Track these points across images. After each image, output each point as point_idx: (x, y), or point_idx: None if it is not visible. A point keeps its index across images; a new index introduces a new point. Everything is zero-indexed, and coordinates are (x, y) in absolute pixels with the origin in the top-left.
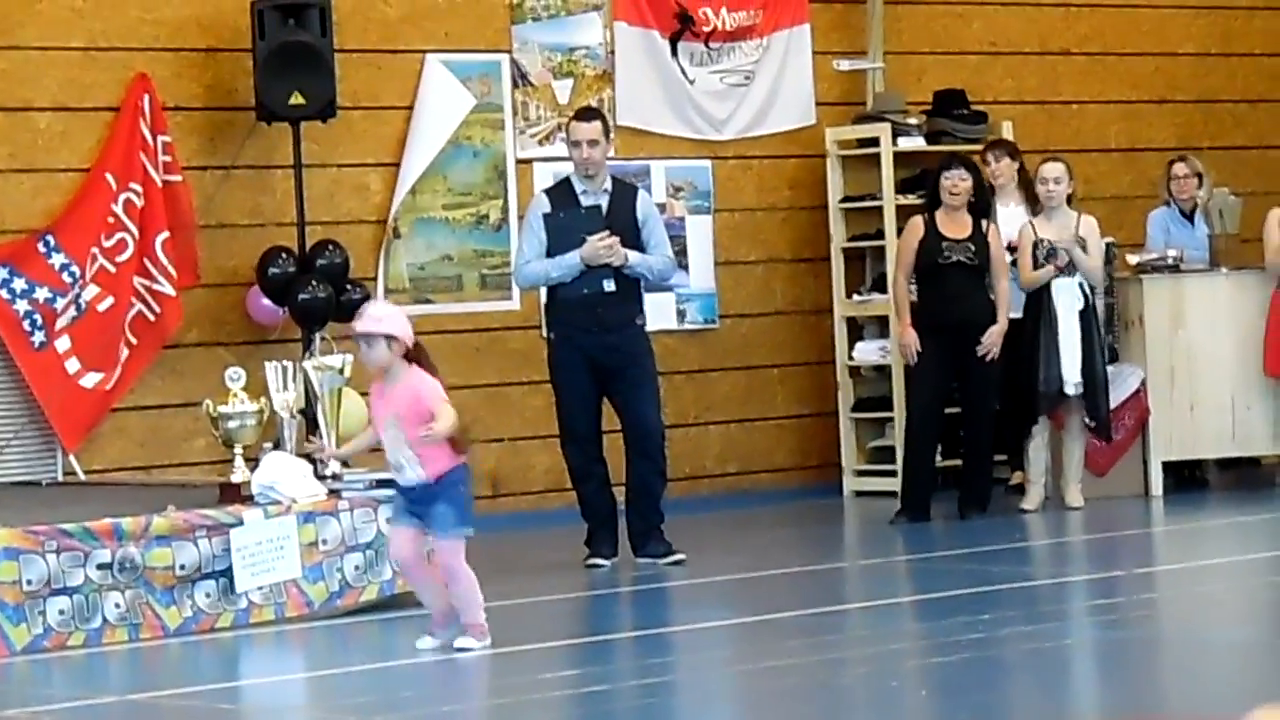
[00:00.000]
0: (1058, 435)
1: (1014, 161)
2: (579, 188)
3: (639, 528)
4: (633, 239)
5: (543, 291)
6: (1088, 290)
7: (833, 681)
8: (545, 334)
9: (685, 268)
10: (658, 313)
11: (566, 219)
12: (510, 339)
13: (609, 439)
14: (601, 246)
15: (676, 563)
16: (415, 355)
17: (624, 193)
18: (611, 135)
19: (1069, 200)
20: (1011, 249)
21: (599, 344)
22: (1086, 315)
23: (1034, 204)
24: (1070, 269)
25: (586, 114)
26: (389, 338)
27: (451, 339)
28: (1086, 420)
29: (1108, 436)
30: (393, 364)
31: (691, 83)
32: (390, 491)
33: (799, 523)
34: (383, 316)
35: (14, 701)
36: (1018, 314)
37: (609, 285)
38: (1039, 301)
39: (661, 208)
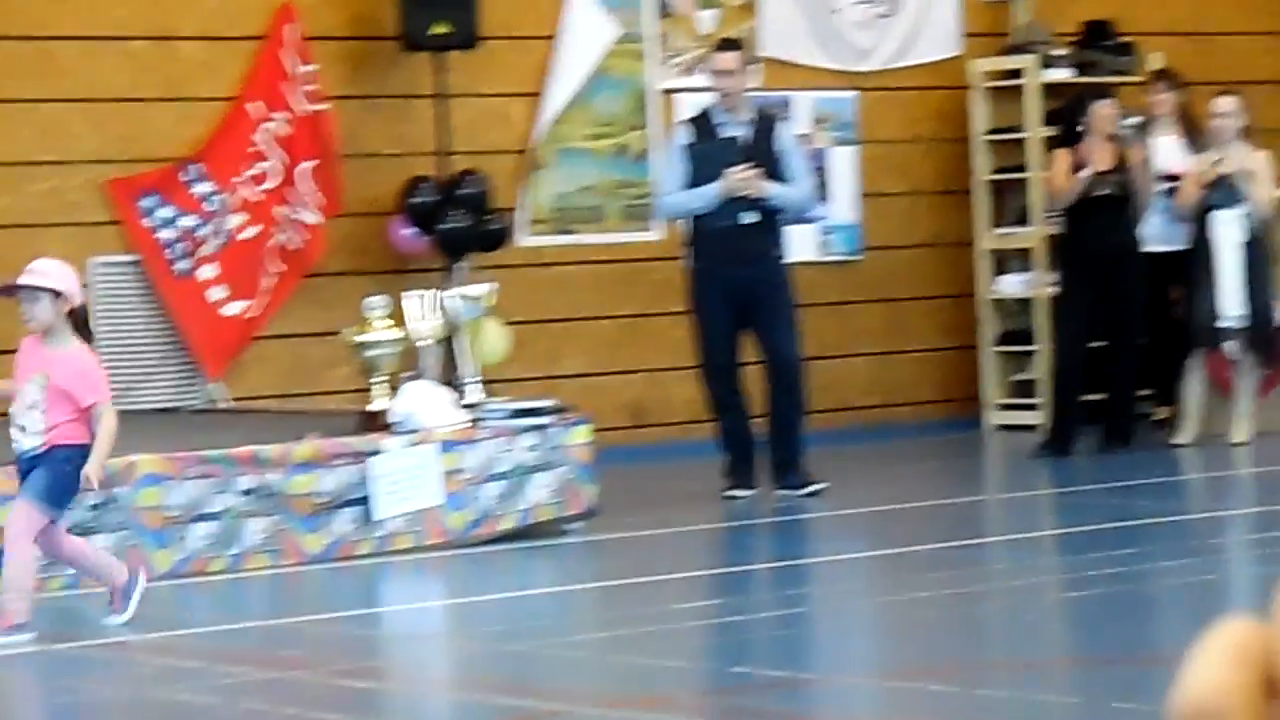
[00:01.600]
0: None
1: (1176, 93)
2: (719, 119)
3: (778, 460)
4: (773, 171)
5: (684, 222)
6: (1254, 223)
7: (971, 614)
8: (686, 265)
9: (827, 199)
10: (800, 244)
11: (706, 150)
12: (652, 270)
13: (749, 371)
14: (740, 179)
15: (815, 492)
16: (77, 320)
17: (765, 124)
18: (753, 66)
19: (1239, 136)
20: (1169, 178)
21: (738, 276)
22: (1252, 248)
23: (1192, 136)
24: (1235, 200)
25: (726, 44)
26: (54, 293)
27: (593, 269)
28: (1245, 352)
29: (1272, 364)
30: (55, 323)
31: (836, 13)
32: (530, 420)
33: (940, 456)
34: (49, 271)
35: (156, 625)
36: (1179, 245)
37: (749, 217)
38: (1202, 233)
39: (804, 139)
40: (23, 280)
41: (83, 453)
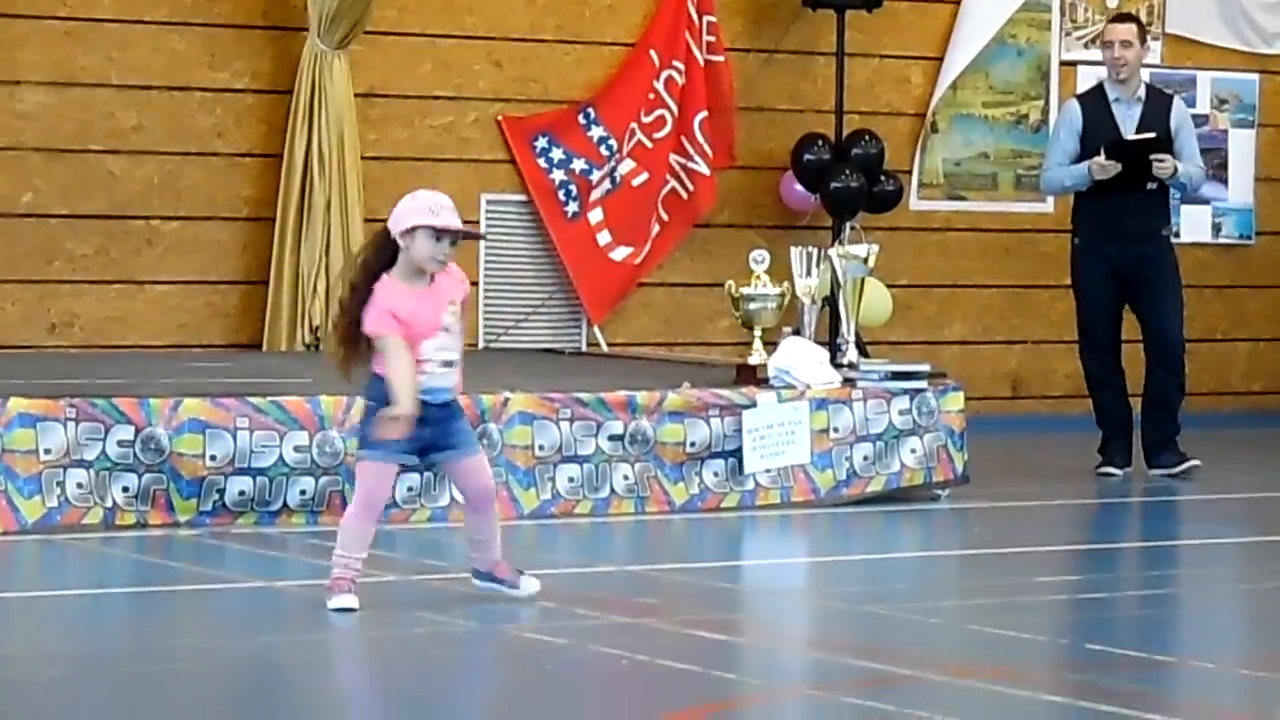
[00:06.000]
0: None
1: None
2: (1111, 94)
3: (1154, 439)
4: (1165, 148)
5: (1070, 196)
6: None
7: None
8: (1071, 239)
9: (1224, 181)
10: (1192, 225)
11: (1097, 127)
12: (1041, 241)
13: (1128, 349)
14: (1101, 165)
15: (1190, 469)
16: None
17: (1158, 100)
18: (1148, 43)
19: None
20: None
21: (1124, 253)
22: None
23: None
24: None
25: (1122, 16)
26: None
27: (982, 237)
28: None
29: None
30: None
31: None
32: (905, 384)
33: None
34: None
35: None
36: None
37: (1150, 185)
38: None
39: (1204, 119)
40: (458, 224)
41: None
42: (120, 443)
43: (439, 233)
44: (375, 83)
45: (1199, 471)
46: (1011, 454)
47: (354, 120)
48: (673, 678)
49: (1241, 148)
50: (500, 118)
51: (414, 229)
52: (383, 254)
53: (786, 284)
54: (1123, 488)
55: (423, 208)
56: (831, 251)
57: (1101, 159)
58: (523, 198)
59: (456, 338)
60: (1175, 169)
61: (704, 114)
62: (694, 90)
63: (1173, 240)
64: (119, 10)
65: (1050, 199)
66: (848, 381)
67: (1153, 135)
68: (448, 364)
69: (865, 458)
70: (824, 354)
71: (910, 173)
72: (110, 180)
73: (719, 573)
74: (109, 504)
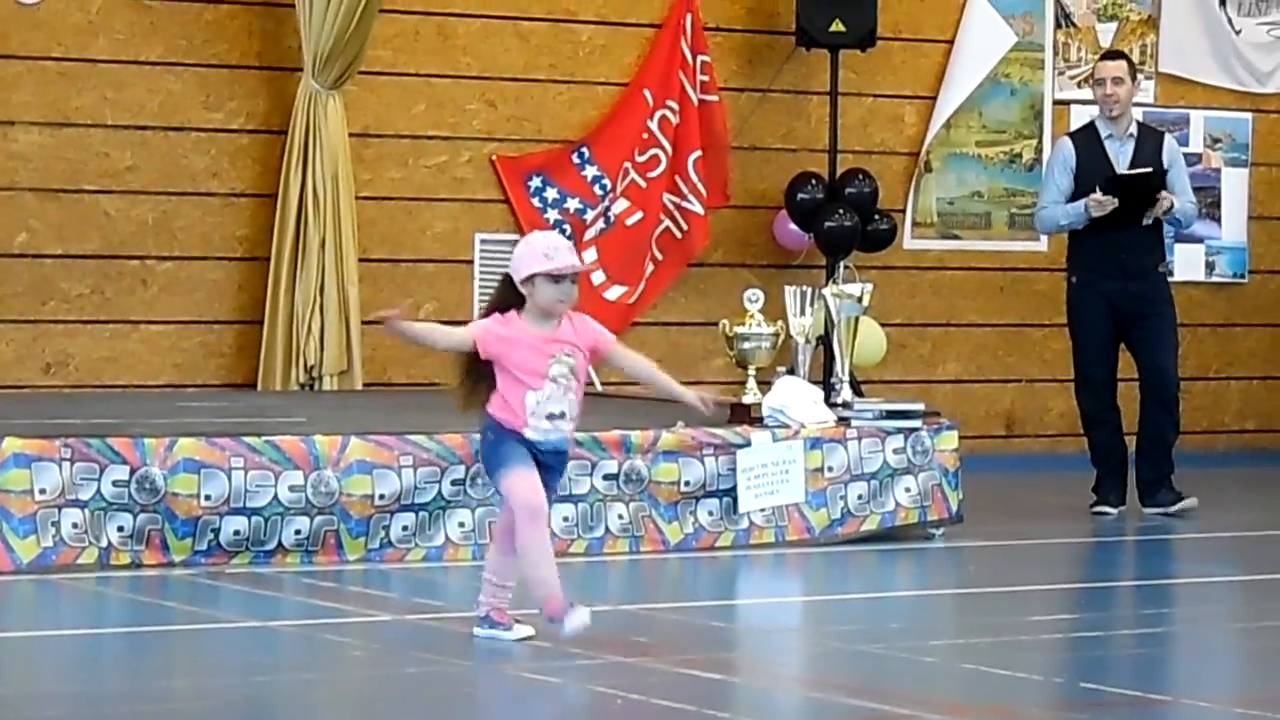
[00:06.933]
0: None
1: None
2: (1104, 131)
3: (1149, 477)
4: (1160, 181)
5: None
6: None
7: None
8: (1066, 278)
9: (1217, 220)
10: (1186, 264)
11: (1091, 165)
12: (1035, 280)
13: (1123, 386)
14: (1097, 200)
15: (1187, 509)
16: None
17: (1150, 137)
18: (1138, 80)
19: None
20: None
21: (1121, 290)
22: None
23: None
24: None
25: (1112, 53)
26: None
27: (976, 276)
28: None
29: None
30: None
31: (1238, 33)
32: (899, 423)
33: None
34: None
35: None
36: None
37: (1146, 220)
38: None
39: (1197, 158)
40: (577, 264)
41: None
42: (115, 483)
43: (558, 275)
44: (369, 123)
45: (1194, 510)
46: (1006, 493)
47: (348, 160)
48: (667, 717)
49: (1235, 186)
50: (494, 157)
51: (533, 277)
52: (505, 299)
53: (780, 323)
54: (1117, 526)
55: (537, 254)
56: (825, 291)
57: (1098, 195)
58: (517, 237)
59: (565, 390)
60: (1172, 204)
61: (698, 153)
62: (688, 129)
63: (1168, 277)
64: (114, 51)
65: (1044, 238)
66: (842, 420)
67: (1149, 170)
68: (552, 417)
69: (860, 497)
70: (818, 393)
71: (904, 212)
72: (105, 220)
73: (714, 612)
74: (104, 544)
